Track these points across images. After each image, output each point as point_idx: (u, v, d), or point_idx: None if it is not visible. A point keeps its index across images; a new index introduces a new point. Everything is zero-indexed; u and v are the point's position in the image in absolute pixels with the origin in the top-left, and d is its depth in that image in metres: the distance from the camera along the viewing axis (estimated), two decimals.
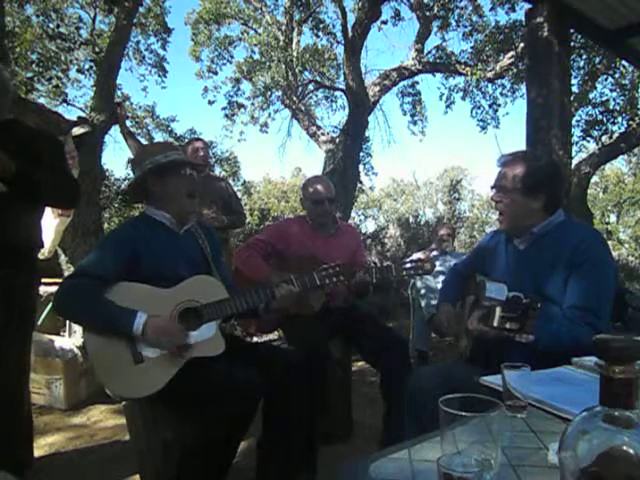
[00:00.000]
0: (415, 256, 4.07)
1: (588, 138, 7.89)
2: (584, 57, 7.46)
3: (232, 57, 9.74)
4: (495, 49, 8.07)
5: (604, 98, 7.99)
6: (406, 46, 8.83)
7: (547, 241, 1.62)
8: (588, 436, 0.55)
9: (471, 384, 1.23)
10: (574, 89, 7.22)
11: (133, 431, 1.82)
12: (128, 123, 5.11)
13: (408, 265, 2.28)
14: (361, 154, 8.23)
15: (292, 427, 1.77)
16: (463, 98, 8.95)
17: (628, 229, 15.88)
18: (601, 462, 0.53)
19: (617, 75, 7.84)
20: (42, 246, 2.04)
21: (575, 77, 7.41)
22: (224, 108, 9.71)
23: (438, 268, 2.89)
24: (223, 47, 9.65)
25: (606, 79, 7.99)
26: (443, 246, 4.22)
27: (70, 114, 6.05)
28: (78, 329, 3.33)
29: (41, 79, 6.58)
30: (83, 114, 5.26)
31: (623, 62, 7.05)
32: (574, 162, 6.58)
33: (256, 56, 9.22)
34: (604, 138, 7.79)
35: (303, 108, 8.82)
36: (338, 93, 9.35)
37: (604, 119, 7.75)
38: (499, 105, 8.79)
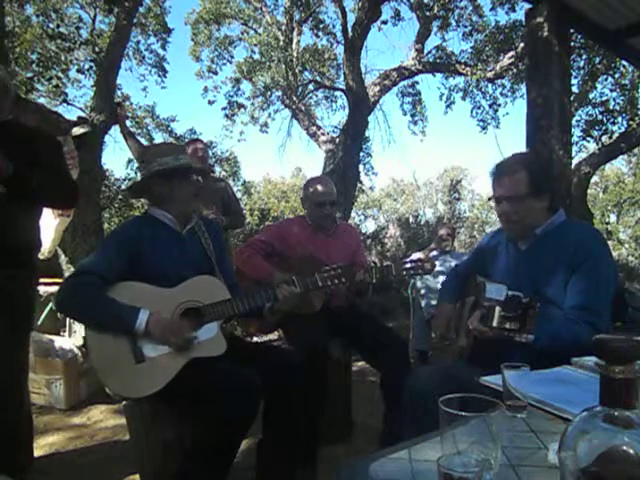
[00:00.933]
0: (415, 256, 4.07)
1: (588, 138, 7.89)
2: (584, 57, 7.46)
3: (232, 57, 9.77)
4: (495, 49, 8.07)
5: (604, 98, 8.00)
6: (406, 46, 8.85)
7: (548, 241, 1.62)
8: (588, 436, 0.55)
9: (471, 384, 1.23)
10: (574, 89, 7.22)
11: (133, 431, 1.82)
12: (128, 123, 5.12)
13: (408, 265, 2.28)
14: (361, 154, 8.24)
15: (292, 427, 1.76)
16: (463, 98, 8.97)
17: (628, 229, 15.88)
18: (601, 462, 0.53)
19: (617, 75, 7.85)
20: (40, 246, 2.04)
21: (575, 77, 7.42)
22: (224, 108, 9.73)
23: (438, 268, 2.89)
24: (223, 47, 9.66)
25: (606, 79, 8.00)
26: (443, 246, 4.21)
27: (70, 114, 6.05)
28: (78, 329, 3.33)
29: (41, 79, 6.57)
30: (83, 114, 5.27)
31: (623, 62, 7.05)
32: (574, 162, 6.58)
33: (256, 56, 9.23)
34: (604, 138, 7.79)
35: (303, 108, 8.83)
36: (338, 93, 9.36)
37: (604, 119, 7.75)
38: (499, 105, 8.81)
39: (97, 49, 6.70)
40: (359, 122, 7.35)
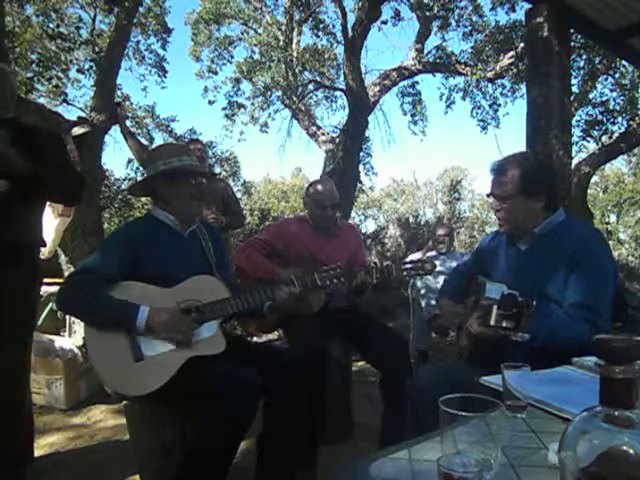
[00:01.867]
0: (413, 257, 4.07)
1: (588, 138, 7.89)
2: (584, 57, 7.46)
3: (232, 57, 9.75)
4: (495, 49, 8.07)
5: (604, 98, 8.00)
6: (406, 46, 8.84)
7: (548, 241, 1.62)
8: (588, 436, 0.55)
9: (471, 384, 1.23)
10: (574, 89, 7.22)
11: (133, 431, 1.82)
12: (128, 123, 5.11)
13: (408, 265, 2.28)
14: (361, 154, 8.24)
15: (292, 427, 1.76)
16: (463, 98, 8.96)
17: (628, 229, 15.88)
18: (601, 462, 0.53)
19: (617, 75, 7.84)
20: (44, 245, 2.04)
21: (575, 77, 7.42)
22: (224, 108, 9.72)
23: (438, 268, 2.89)
24: (223, 47, 9.66)
25: (606, 79, 8.00)
26: (439, 247, 4.20)
27: (70, 114, 6.06)
28: (78, 329, 3.33)
29: (41, 79, 6.57)
30: (83, 114, 5.27)
31: (623, 62, 7.05)
32: (574, 162, 6.58)
33: (256, 56, 9.22)
34: (604, 138, 7.79)
35: (303, 108, 8.82)
36: (338, 93, 9.35)
37: (604, 119, 7.75)
38: (499, 105, 8.81)
39: (97, 49, 6.70)
40: (359, 122, 7.35)
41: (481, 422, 0.72)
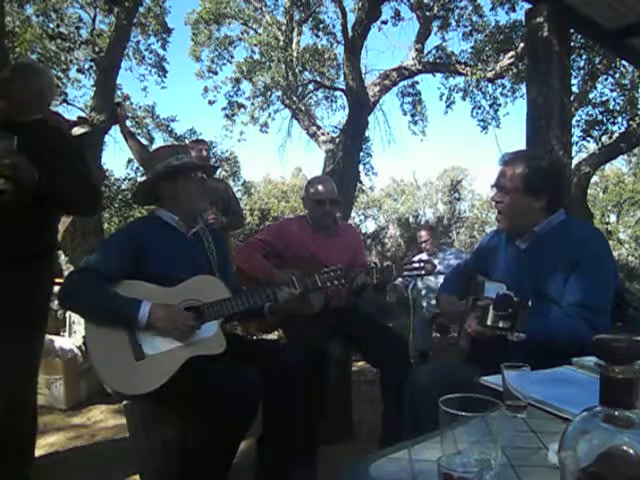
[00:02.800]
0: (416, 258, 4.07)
1: (588, 138, 7.88)
2: (584, 57, 7.46)
3: (232, 57, 9.76)
4: (495, 49, 8.06)
5: (604, 98, 8.00)
6: (406, 46, 8.85)
7: (548, 240, 1.62)
8: (588, 436, 0.55)
9: (471, 384, 1.23)
10: (574, 89, 7.21)
11: (133, 431, 1.82)
12: (128, 123, 5.11)
13: (408, 266, 2.28)
14: (361, 154, 8.23)
15: (292, 427, 1.76)
16: (463, 98, 8.96)
17: (628, 229, 15.88)
18: (601, 462, 0.53)
19: (617, 75, 7.84)
20: (59, 249, 2.05)
21: (575, 77, 7.41)
22: (224, 108, 9.72)
23: (438, 267, 2.89)
24: (223, 47, 9.66)
25: (606, 79, 8.00)
26: (422, 247, 4.23)
27: (70, 114, 6.07)
28: (78, 329, 3.33)
29: None
30: (83, 114, 5.27)
31: (623, 62, 7.04)
32: (574, 162, 6.58)
33: (256, 56, 9.22)
34: (604, 138, 7.79)
35: (303, 108, 8.82)
36: (338, 93, 9.35)
37: (604, 119, 7.75)
38: (499, 105, 8.80)
39: (97, 49, 6.71)
40: (359, 122, 7.35)
41: (481, 422, 0.72)
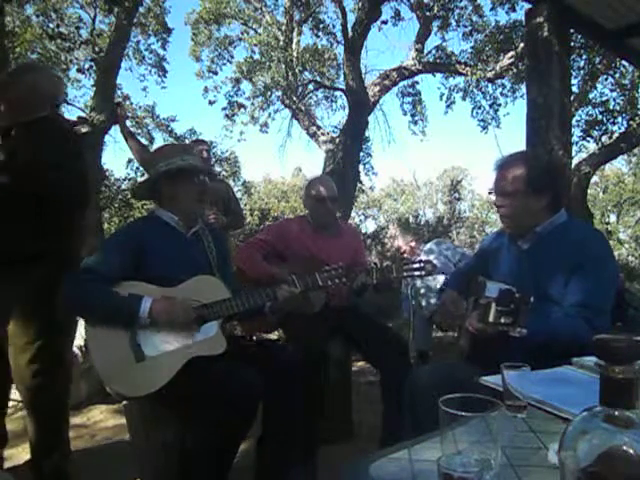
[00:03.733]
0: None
1: (588, 138, 7.88)
2: (584, 57, 7.46)
3: (232, 57, 9.77)
4: (495, 49, 8.07)
5: (604, 98, 8.00)
6: (406, 46, 8.85)
7: (550, 241, 1.62)
8: (588, 436, 0.55)
9: (471, 384, 1.23)
10: (574, 89, 7.21)
11: (133, 431, 1.82)
12: (128, 123, 5.11)
13: (408, 266, 2.27)
14: (361, 154, 8.24)
15: (292, 427, 1.76)
16: (463, 98, 8.97)
17: (628, 229, 15.88)
18: (601, 462, 0.53)
19: (617, 75, 7.84)
20: (82, 244, 2.05)
21: (575, 77, 7.41)
22: (224, 108, 9.73)
23: (434, 262, 2.87)
24: (223, 47, 9.67)
25: (606, 79, 8.00)
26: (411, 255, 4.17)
27: (70, 114, 6.05)
28: (78, 329, 3.33)
29: None
30: (83, 114, 5.27)
31: (623, 62, 7.04)
32: (574, 162, 6.58)
33: (256, 56, 9.23)
34: (604, 138, 7.79)
35: (303, 108, 8.83)
36: (338, 93, 9.36)
37: (604, 119, 7.75)
38: (499, 105, 8.81)
39: (97, 49, 6.70)
40: (359, 122, 7.36)
41: (481, 422, 0.72)
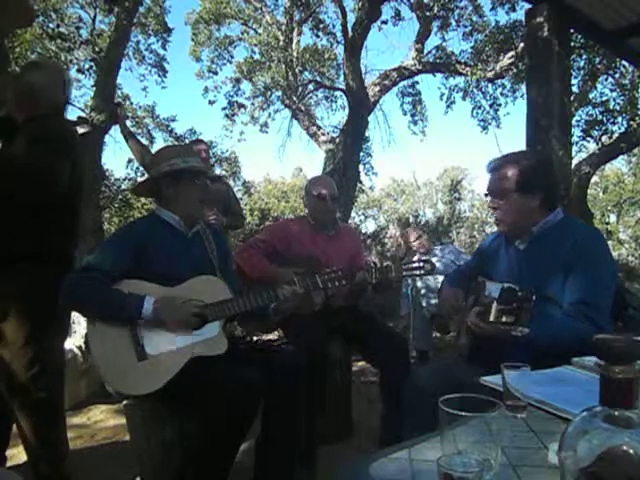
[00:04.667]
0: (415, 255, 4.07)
1: (588, 138, 7.87)
2: (584, 57, 7.45)
3: (232, 57, 9.77)
4: (495, 49, 8.06)
5: (604, 98, 7.99)
6: (406, 46, 8.84)
7: (546, 240, 1.62)
8: (588, 436, 0.55)
9: (471, 384, 1.23)
10: (574, 89, 7.21)
11: (133, 431, 1.82)
12: (128, 123, 5.11)
13: (408, 265, 2.28)
14: (361, 154, 8.23)
15: (292, 427, 1.76)
16: (463, 98, 8.95)
17: (628, 229, 15.86)
18: (601, 462, 0.53)
19: (617, 75, 7.84)
20: (76, 246, 2.04)
21: (575, 77, 7.40)
22: (224, 108, 9.72)
23: (437, 264, 2.89)
24: (223, 47, 9.66)
25: (606, 79, 7.99)
26: (413, 246, 4.20)
27: (70, 114, 6.05)
28: (78, 329, 3.33)
29: None
30: (83, 114, 5.26)
31: (623, 62, 7.04)
32: (574, 162, 6.57)
33: (256, 56, 9.23)
34: (604, 138, 7.78)
35: (303, 108, 8.83)
36: (338, 93, 9.35)
37: (604, 119, 7.74)
38: (499, 105, 8.80)
39: (97, 49, 6.70)
40: (359, 122, 7.35)
41: (481, 422, 0.72)
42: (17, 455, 2.21)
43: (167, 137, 10.09)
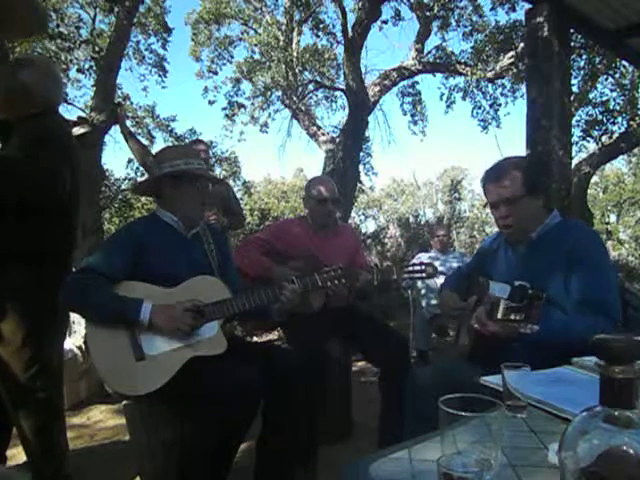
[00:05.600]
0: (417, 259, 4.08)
1: (588, 138, 7.88)
2: (584, 57, 7.45)
3: (232, 57, 9.76)
4: (495, 49, 8.06)
5: (604, 98, 8.00)
6: (406, 46, 8.84)
7: (544, 243, 1.63)
8: (588, 436, 0.55)
9: (471, 384, 1.23)
10: (574, 89, 7.21)
11: (133, 431, 1.82)
12: (128, 123, 5.11)
13: (410, 268, 2.27)
14: (361, 154, 8.24)
15: (292, 427, 1.76)
16: (463, 98, 8.96)
17: (628, 229, 15.87)
18: (601, 462, 0.53)
19: (617, 75, 7.84)
20: (75, 246, 2.04)
21: (575, 77, 7.41)
22: (224, 108, 9.72)
23: (439, 269, 2.89)
24: (223, 47, 9.66)
25: (606, 79, 7.99)
26: (437, 241, 4.29)
27: (70, 114, 6.06)
28: (78, 329, 3.33)
29: None
30: (83, 114, 5.27)
31: (623, 62, 7.04)
32: (574, 162, 6.58)
33: (256, 56, 9.22)
34: (604, 138, 7.79)
35: (303, 108, 8.82)
36: (338, 93, 9.35)
37: (604, 119, 7.75)
38: (499, 105, 8.80)
39: (97, 49, 6.69)
40: (359, 122, 7.35)
41: (481, 422, 0.72)
42: (17, 455, 2.21)
43: (167, 137, 10.09)
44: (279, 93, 9.14)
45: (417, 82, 9.23)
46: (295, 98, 8.63)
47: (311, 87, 9.27)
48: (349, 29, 7.12)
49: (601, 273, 1.54)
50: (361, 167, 8.52)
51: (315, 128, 8.45)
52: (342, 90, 8.23)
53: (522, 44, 7.10)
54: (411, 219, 11.68)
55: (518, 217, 1.65)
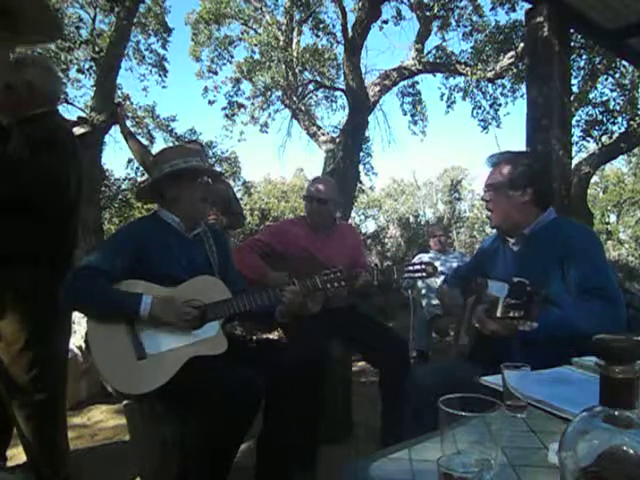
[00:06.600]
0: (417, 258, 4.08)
1: (588, 138, 7.89)
2: (584, 57, 7.46)
3: (232, 57, 9.77)
4: (495, 49, 8.07)
5: (604, 98, 8.00)
6: (406, 46, 8.84)
7: (538, 241, 1.64)
8: (588, 436, 0.55)
9: (471, 384, 1.23)
10: (574, 89, 7.21)
11: (133, 431, 1.82)
12: (128, 123, 5.11)
13: (410, 267, 2.27)
14: (361, 154, 8.24)
15: (292, 427, 1.76)
16: (463, 98, 8.97)
17: (628, 229, 15.88)
18: (601, 462, 0.53)
19: (617, 75, 7.84)
20: (76, 247, 2.03)
21: (575, 77, 7.41)
22: (224, 108, 9.73)
23: (439, 269, 2.89)
24: (223, 47, 9.67)
25: (606, 79, 8.00)
26: (434, 242, 4.30)
27: (70, 114, 6.06)
28: (78, 329, 3.33)
29: None
30: (83, 114, 5.27)
31: (623, 62, 7.04)
32: (574, 162, 6.58)
33: (256, 56, 9.23)
34: (604, 138, 7.79)
35: (303, 108, 8.83)
36: (338, 93, 9.36)
37: (604, 119, 7.75)
38: (499, 105, 8.81)
39: (97, 49, 6.69)
40: (359, 122, 7.36)
41: (481, 422, 0.72)
42: (17, 455, 2.21)
43: (167, 137, 10.10)
44: (279, 93, 9.15)
45: (417, 82, 9.27)
46: (295, 98, 8.64)
47: (311, 87, 9.28)
48: (349, 29, 7.12)
49: (598, 265, 1.55)
50: (361, 167, 8.53)
51: (315, 128, 8.45)
52: (342, 90, 8.23)
53: (522, 44, 7.10)
54: (411, 219, 11.69)
55: (496, 205, 1.71)
